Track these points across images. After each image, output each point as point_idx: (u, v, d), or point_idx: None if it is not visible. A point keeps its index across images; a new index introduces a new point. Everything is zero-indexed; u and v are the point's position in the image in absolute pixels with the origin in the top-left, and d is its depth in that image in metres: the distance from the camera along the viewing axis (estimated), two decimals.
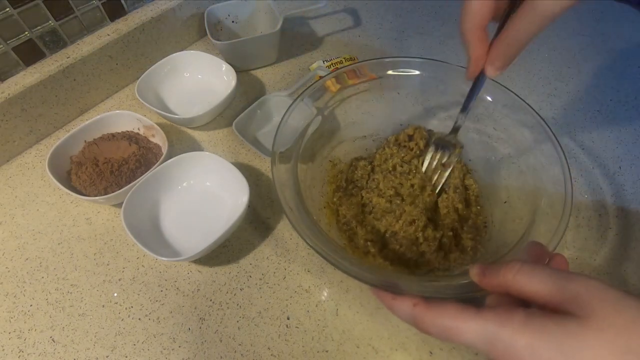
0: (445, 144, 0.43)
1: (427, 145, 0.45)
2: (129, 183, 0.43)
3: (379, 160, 0.45)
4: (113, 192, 0.43)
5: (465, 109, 0.38)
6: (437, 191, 0.43)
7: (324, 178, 0.45)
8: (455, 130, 0.41)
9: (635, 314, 0.20)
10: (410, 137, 0.46)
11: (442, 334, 0.24)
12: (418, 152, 0.45)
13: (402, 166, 0.44)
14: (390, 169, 0.44)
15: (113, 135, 0.49)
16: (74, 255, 0.43)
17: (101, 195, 0.44)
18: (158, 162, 0.44)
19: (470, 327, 0.23)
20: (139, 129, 0.50)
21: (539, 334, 0.21)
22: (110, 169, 0.45)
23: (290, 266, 0.42)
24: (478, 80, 0.35)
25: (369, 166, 0.45)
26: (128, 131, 0.50)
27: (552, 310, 0.22)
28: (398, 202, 0.42)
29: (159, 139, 0.49)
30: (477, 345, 0.23)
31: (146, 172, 0.44)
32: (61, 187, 0.42)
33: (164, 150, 0.47)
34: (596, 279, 0.22)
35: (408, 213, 0.40)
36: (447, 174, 0.42)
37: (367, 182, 0.44)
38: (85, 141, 0.48)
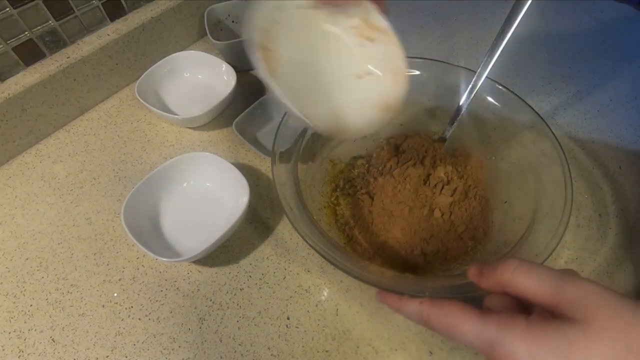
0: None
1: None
2: None
3: (375, 160, 0.45)
4: None
5: (452, 121, 0.40)
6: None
7: (324, 178, 0.44)
8: (443, 140, 0.42)
9: (634, 315, 0.20)
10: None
11: (445, 331, 0.25)
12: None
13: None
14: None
15: None
16: (74, 255, 0.43)
17: None
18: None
19: (471, 328, 0.23)
20: None
21: (539, 340, 0.21)
22: None
23: (290, 266, 0.42)
24: (467, 95, 0.39)
25: (367, 165, 0.45)
26: None
27: (549, 309, 0.22)
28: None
29: None
30: (477, 346, 0.23)
31: None
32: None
33: None
34: (594, 282, 0.22)
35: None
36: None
37: (363, 182, 0.44)
38: None
